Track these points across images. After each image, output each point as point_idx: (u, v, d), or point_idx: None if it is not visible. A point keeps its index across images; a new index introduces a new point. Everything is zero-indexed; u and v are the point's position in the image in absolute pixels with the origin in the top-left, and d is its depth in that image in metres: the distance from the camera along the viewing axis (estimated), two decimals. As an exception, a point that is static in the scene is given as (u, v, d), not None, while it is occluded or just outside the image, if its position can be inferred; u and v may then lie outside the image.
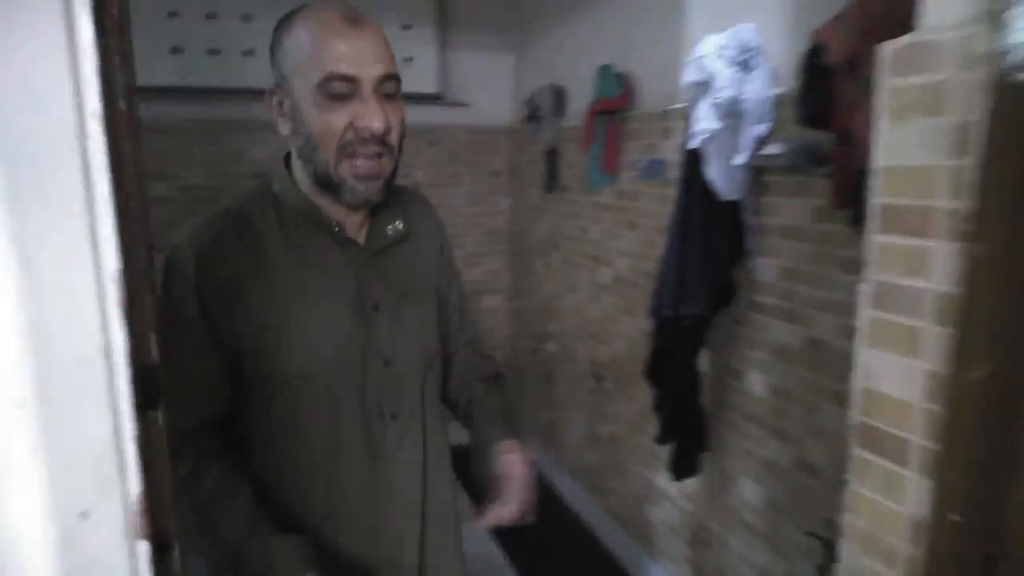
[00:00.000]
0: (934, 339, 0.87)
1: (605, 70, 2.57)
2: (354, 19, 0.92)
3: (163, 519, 0.40)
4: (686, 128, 1.91)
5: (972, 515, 0.83)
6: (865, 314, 0.97)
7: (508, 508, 1.03)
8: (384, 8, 3.28)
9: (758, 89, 1.76)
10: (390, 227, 1.07)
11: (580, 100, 2.86)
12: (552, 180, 3.20)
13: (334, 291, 1.00)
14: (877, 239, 0.95)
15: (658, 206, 2.36)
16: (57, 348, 0.35)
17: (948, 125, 0.84)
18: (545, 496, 2.84)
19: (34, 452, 0.35)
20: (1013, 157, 0.75)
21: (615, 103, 2.52)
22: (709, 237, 1.86)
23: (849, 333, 1.59)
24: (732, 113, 1.77)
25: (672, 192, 2.01)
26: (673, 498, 2.43)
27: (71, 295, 0.34)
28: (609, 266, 2.79)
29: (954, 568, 0.85)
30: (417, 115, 3.51)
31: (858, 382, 0.99)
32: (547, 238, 3.40)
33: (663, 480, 2.46)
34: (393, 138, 0.96)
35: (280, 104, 0.97)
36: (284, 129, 0.98)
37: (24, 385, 0.34)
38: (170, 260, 0.97)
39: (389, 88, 0.94)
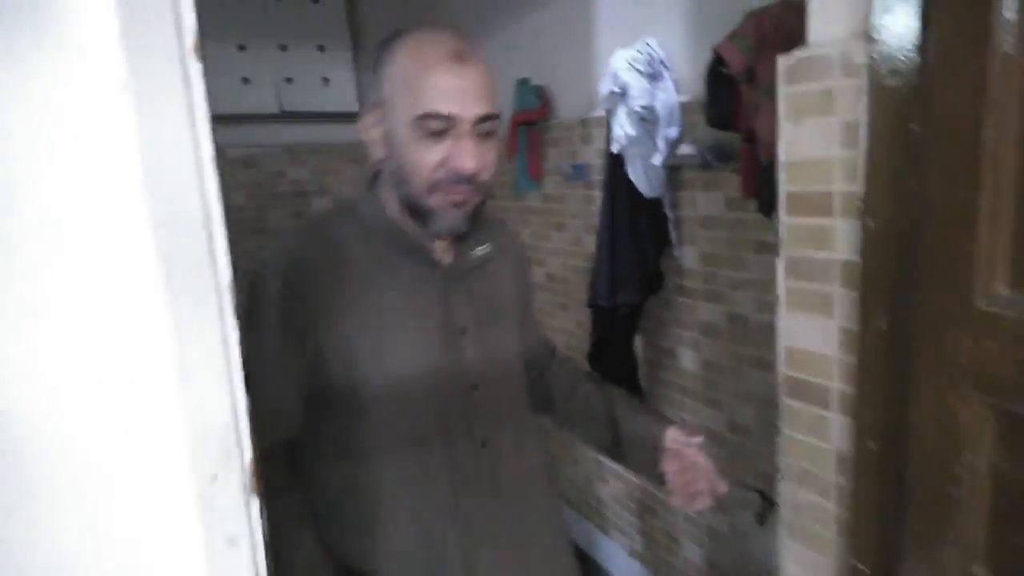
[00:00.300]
0: (842, 300, 1.03)
1: (523, 83, 2.71)
2: (460, 54, 0.89)
3: (263, 480, 0.50)
4: (606, 134, 2.07)
5: (885, 442, 0.99)
6: (783, 284, 1.14)
7: (701, 499, 1.04)
8: (299, 30, 3.32)
9: (667, 97, 1.94)
10: (478, 249, 1.05)
11: (500, 113, 2.99)
12: (478, 189, 3.32)
13: (422, 313, 0.97)
14: (788, 221, 1.12)
15: (583, 207, 2.52)
16: (194, 344, 0.43)
17: (838, 123, 1.00)
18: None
19: (178, 429, 0.43)
20: (890, 147, 0.92)
21: (535, 114, 2.66)
22: (636, 232, 2.02)
23: (764, 307, 1.78)
24: (647, 119, 1.94)
25: (596, 193, 2.17)
26: (620, 474, 2.59)
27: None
28: (541, 266, 2.93)
29: (875, 488, 1.01)
30: (337, 134, 3.58)
31: (782, 342, 1.15)
32: (476, 245, 3.51)
33: (608, 460, 2.62)
34: (484, 176, 0.94)
35: (376, 125, 0.95)
36: (378, 151, 0.96)
37: (170, 375, 0.42)
38: (254, 279, 0.95)
39: (486, 128, 0.92)
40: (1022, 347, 0.73)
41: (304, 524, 0.95)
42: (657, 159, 1.94)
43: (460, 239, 1.02)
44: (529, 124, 2.70)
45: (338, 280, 0.94)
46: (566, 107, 2.60)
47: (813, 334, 1.09)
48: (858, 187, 0.98)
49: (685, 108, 1.93)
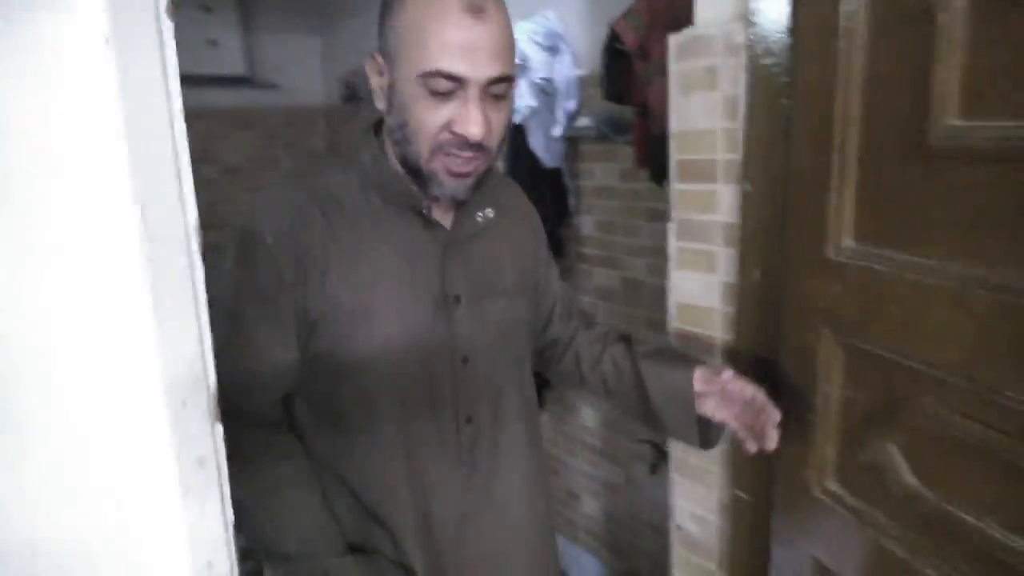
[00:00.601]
0: (724, 258, 1.18)
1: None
2: (477, 6, 0.80)
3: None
4: (507, 105, 2.16)
5: (753, 377, 1.15)
6: (674, 245, 1.27)
7: (769, 435, 0.94)
8: (185, -10, 3.20)
9: (566, 70, 2.05)
10: (479, 214, 0.99)
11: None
12: (377, 159, 3.34)
13: (417, 277, 0.93)
14: (677, 187, 1.25)
15: (484, 177, 2.61)
16: (166, 280, 0.49)
17: (721, 98, 1.14)
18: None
19: (153, 359, 0.49)
20: (765, 119, 1.06)
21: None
22: (537, 201, 2.13)
23: (656, 272, 1.94)
24: (547, 91, 2.04)
25: (500, 164, 2.25)
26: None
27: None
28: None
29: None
30: (225, 98, 3.49)
31: (672, 298, 1.29)
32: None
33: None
34: (492, 141, 0.87)
35: (379, 74, 0.88)
36: (380, 103, 0.90)
37: (147, 310, 0.48)
38: (247, 232, 0.90)
39: (499, 90, 0.85)
40: (863, 291, 0.89)
41: (315, 481, 0.95)
42: (557, 130, 2.05)
43: (462, 202, 0.96)
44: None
45: (333, 235, 0.89)
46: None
47: (699, 289, 1.23)
48: (738, 155, 1.12)
49: (583, 82, 2.05)
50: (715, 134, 1.15)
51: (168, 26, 0.47)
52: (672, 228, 1.27)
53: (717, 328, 1.21)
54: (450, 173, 0.87)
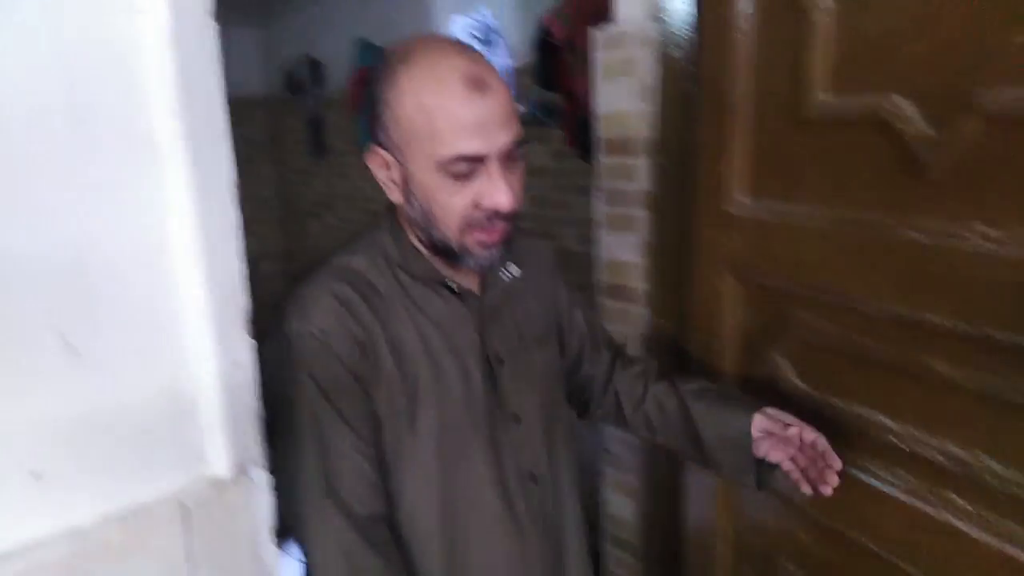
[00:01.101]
0: (642, 220, 1.33)
1: (363, 43, 2.82)
2: (479, 80, 0.76)
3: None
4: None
5: (671, 320, 1.31)
6: (602, 210, 1.42)
7: (824, 482, 0.88)
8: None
9: (501, 61, 2.18)
10: (505, 273, 0.95)
11: (338, 71, 3.07)
12: (319, 146, 3.38)
13: (458, 347, 0.89)
14: (603, 161, 1.39)
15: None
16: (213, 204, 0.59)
17: (638, 84, 1.28)
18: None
19: (202, 274, 0.58)
20: (673, 103, 1.22)
21: (376, 74, 2.78)
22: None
23: (583, 240, 2.10)
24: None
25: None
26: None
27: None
28: (385, 218, 3.08)
29: (664, 357, 1.33)
30: None
31: (602, 256, 1.44)
32: (320, 200, 3.57)
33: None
34: (518, 206, 0.83)
35: (386, 168, 0.83)
36: (395, 196, 0.84)
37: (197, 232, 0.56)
38: (297, 342, 0.82)
39: (514, 153, 0.80)
40: (756, 237, 1.05)
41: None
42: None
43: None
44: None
45: (377, 320, 0.85)
46: (406, 68, 2.75)
47: (623, 247, 1.38)
48: (653, 133, 1.27)
49: (516, 72, 2.18)
50: (633, 115, 1.30)
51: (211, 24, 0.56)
52: (600, 197, 1.42)
53: (639, 280, 1.37)
54: (483, 245, 0.82)
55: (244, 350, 0.61)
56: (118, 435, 0.53)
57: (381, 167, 0.83)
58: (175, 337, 0.55)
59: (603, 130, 1.38)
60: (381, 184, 0.85)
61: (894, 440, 0.91)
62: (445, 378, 0.87)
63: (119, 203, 0.50)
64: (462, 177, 0.77)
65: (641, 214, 1.33)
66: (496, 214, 0.79)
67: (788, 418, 0.92)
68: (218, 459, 0.60)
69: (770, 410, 0.94)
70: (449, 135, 0.75)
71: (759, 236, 1.05)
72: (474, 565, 0.89)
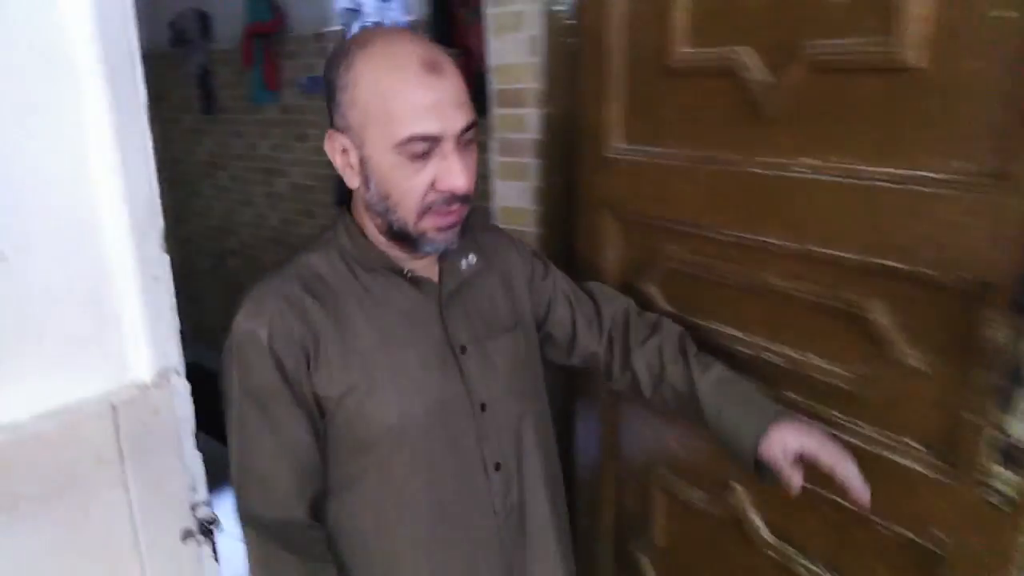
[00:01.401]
0: (533, 168, 1.42)
1: (254, -3, 2.75)
2: (433, 63, 0.78)
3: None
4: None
5: (560, 258, 1.42)
6: (496, 161, 1.50)
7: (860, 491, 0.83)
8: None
9: (397, 16, 2.19)
10: (463, 261, 0.96)
11: (227, 24, 2.97)
12: (209, 102, 3.27)
13: (419, 337, 0.90)
14: (497, 112, 1.47)
15: (323, 117, 2.67)
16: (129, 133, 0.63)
17: (527, 38, 1.36)
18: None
19: (121, 197, 0.63)
20: (557, 55, 1.30)
21: (268, 27, 2.73)
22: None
23: (483, 196, 2.17)
24: (379, 35, 2.18)
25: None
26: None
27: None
28: (284, 176, 3.04)
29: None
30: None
31: (496, 203, 1.53)
32: (211, 159, 3.46)
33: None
34: (472, 187, 0.85)
35: (345, 152, 0.84)
36: (353, 181, 0.85)
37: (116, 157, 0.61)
38: (238, 338, 0.84)
39: (469, 135, 0.83)
40: (630, 178, 1.17)
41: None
42: (390, 71, 2.20)
43: (444, 252, 0.94)
44: (264, 36, 2.76)
45: (328, 318, 0.86)
46: (302, 21, 2.71)
47: (515, 194, 1.47)
48: (541, 84, 1.36)
49: (412, 26, 2.20)
50: (523, 68, 1.38)
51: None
52: (494, 147, 1.50)
53: (531, 224, 1.46)
54: (439, 229, 0.84)
55: (162, 266, 0.66)
56: (49, 341, 0.58)
57: (338, 152, 0.84)
58: (97, 248, 0.60)
59: (496, 83, 1.45)
60: (339, 170, 0.86)
61: (743, 349, 1.06)
62: (405, 369, 0.88)
63: (42, 121, 0.54)
64: (419, 158, 0.79)
65: (532, 162, 1.42)
66: (453, 196, 0.82)
67: (821, 448, 0.86)
68: (141, 365, 0.65)
69: (801, 436, 0.87)
70: (405, 116, 0.77)
71: (633, 177, 1.17)
72: (433, 551, 0.91)
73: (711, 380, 0.98)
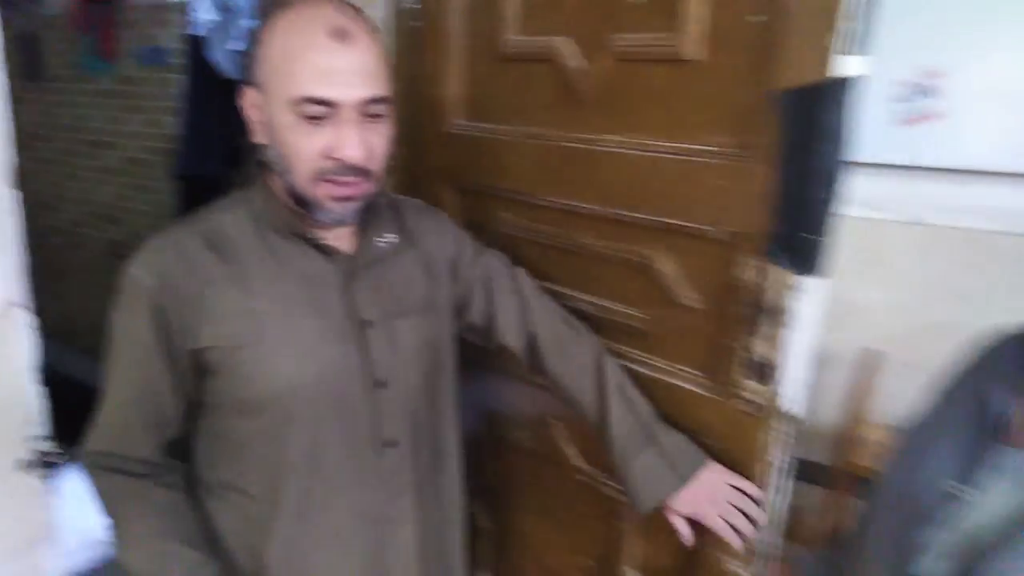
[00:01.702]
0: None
1: (86, -42, 2.58)
2: (342, 31, 0.79)
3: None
4: (184, 19, 2.21)
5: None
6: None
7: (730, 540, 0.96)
8: None
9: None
10: (381, 240, 0.96)
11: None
12: (34, 69, 3.00)
13: (319, 306, 0.89)
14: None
15: (161, 89, 2.57)
16: None
17: (379, 20, 1.43)
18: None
19: None
20: (405, 39, 1.38)
21: (104, -8, 2.57)
22: (217, 108, 2.23)
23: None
24: (227, 8, 2.14)
25: (174, 76, 2.28)
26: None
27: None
28: (117, 150, 2.87)
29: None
30: None
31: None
32: (34, 132, 3.18)
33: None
34: (375, 164, 0.85)
35: (255, 107, 0.84)
36: (260, 137, 0.85)
37: None
38: (124, 282, 0.85)
39: (376, 110, 0.83)
40: (467, 152, 1.28)
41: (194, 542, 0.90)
42: (235, 45, 2.17)
43: (363, 227, 0.94)
44: (101, 3, 2.59)
45: (223, 273, 0.85)
46: (140, -10, 2.58)
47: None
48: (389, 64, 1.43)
49: (262, 2, 2.19)
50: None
51: None
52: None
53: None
54: (333, 199, 0.84)
55: (5, 200, 0.67)
56: None
57: (252, 107, 0.85)
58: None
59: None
60: (250, 124, 0.86)
61: (566, 303, 1.19)
62: (299, 334, 0.87)
63: None
64: (314, 122, 0.79)
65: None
66: (347, 167, 0.81)
67: (707, 517, 0.96)
68: (-19, 290, 0.66)
69: (697, 504, 0.96)
70: (302, 76, 0.78)
71: (470, 151, 1.28)
72: (320, 523, 0.91)
73: (627, 423, 1.01)
